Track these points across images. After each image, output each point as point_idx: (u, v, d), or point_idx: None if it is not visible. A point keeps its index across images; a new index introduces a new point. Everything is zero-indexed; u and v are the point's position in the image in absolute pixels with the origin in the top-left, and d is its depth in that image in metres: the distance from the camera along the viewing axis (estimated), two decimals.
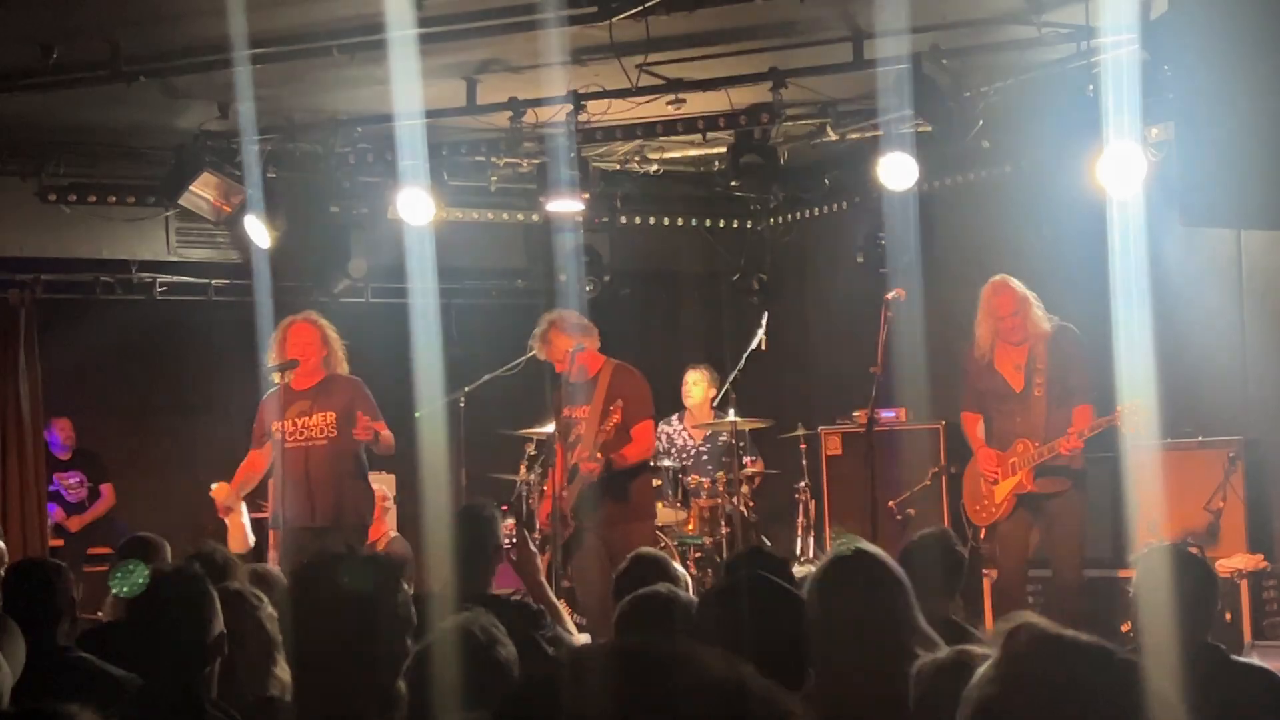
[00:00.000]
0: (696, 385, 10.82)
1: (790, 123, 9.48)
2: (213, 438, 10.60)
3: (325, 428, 8.43)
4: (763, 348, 10.13)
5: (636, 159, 10.90)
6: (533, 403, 9.86)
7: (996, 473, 8.08)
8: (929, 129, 8.71)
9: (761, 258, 12.10)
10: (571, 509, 8.49)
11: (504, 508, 9.31)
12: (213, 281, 11.28)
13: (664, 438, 10.50)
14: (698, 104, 9.40)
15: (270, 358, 8.57)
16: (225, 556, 5.23)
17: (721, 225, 12.25)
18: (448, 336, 9.13)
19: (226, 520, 8.58)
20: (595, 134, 9.70)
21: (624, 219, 11.63)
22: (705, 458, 10.59)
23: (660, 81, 8.91)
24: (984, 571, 8.71)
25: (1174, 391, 8.50)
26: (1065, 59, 8.40)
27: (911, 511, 9.21)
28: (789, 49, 8.68)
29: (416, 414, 9.54)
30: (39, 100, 8.86)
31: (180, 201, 9.99)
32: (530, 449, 9.97)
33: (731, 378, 10.14)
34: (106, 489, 11.16)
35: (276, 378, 8.47)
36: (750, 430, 10.41)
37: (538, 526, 8.93)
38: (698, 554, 9.88)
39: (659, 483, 9.71)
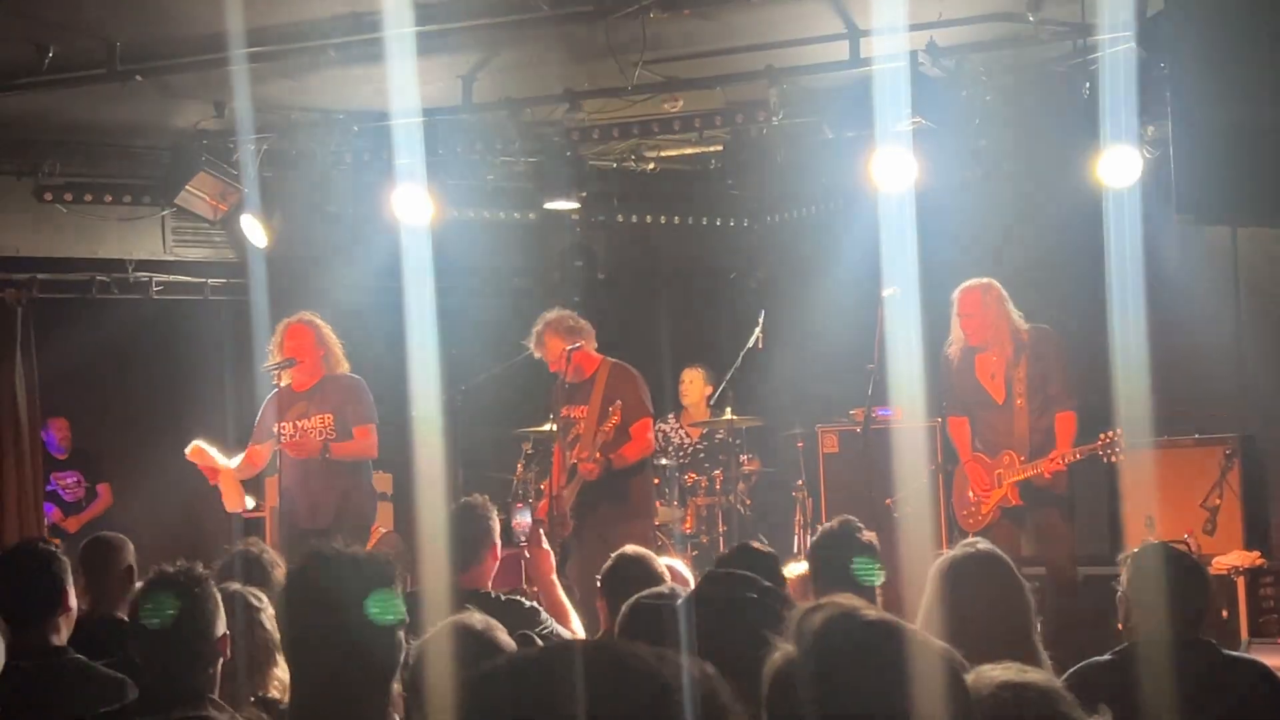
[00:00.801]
0: (693, 384, 10.82)
1: (786, 121, 9.47)
2: (210, 437, 10.56)
3: (323, 429, 8.43)
4: (759, 346, 10.14)
5: (633, 157, 10.89)
6: (530, 402, 9.85)
7: (986, 493, 8.05)
8: (926, 127, 8.70)
9: (758, 256, 12.11)
10: (571, 508, 8.49)
11: (518, 505, 9.31)
12: (209, 281, 11.28)
13: (661, 436, 10.50)
14: (694, 102, 9.40)
15: (270, 358, 8.57)
16: (270, 558, 5.23)
17: (718, 224, 12.24)
18: (444, 335, 9.11)
19: (218, 484, 8.53)
20: (592, 132, 9.70)
21: (620, 217, 11.63)
22: (702, 456, 10.59)
23: (656, 80, 8.91)
24: None
25: (1170, 388, 8.50)
26: (1061, 57, 8.40)
27: (909, 509, 9.19)
28: (785, 47, 8.68)
29: (413, 413, 9.54)
30: (35, 99, 8.86)
31: (176, 201, 9.99)
32: (527, 448, 9.97)
33: (728, 376, 10.15)
34: (104, 489, 11.15)
35: (276, 378, 8.47)
36: (747, 428, 10.41)
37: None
38: (694, 552, 9.89)
39: (656, 481, 9.71)
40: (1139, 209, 7.97)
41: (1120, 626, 4.55)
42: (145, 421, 11.32)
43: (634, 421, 8.55)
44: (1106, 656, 4.28)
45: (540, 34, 8.12)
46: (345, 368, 8.63)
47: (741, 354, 10.17)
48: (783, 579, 4.55)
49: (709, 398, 10.70)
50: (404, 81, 8.26)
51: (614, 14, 7.59)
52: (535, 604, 5.77)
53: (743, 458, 10.31)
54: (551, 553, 6.04)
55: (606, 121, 9.63)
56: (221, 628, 3.77)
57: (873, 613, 2.05)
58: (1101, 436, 7.75)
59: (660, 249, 12.24)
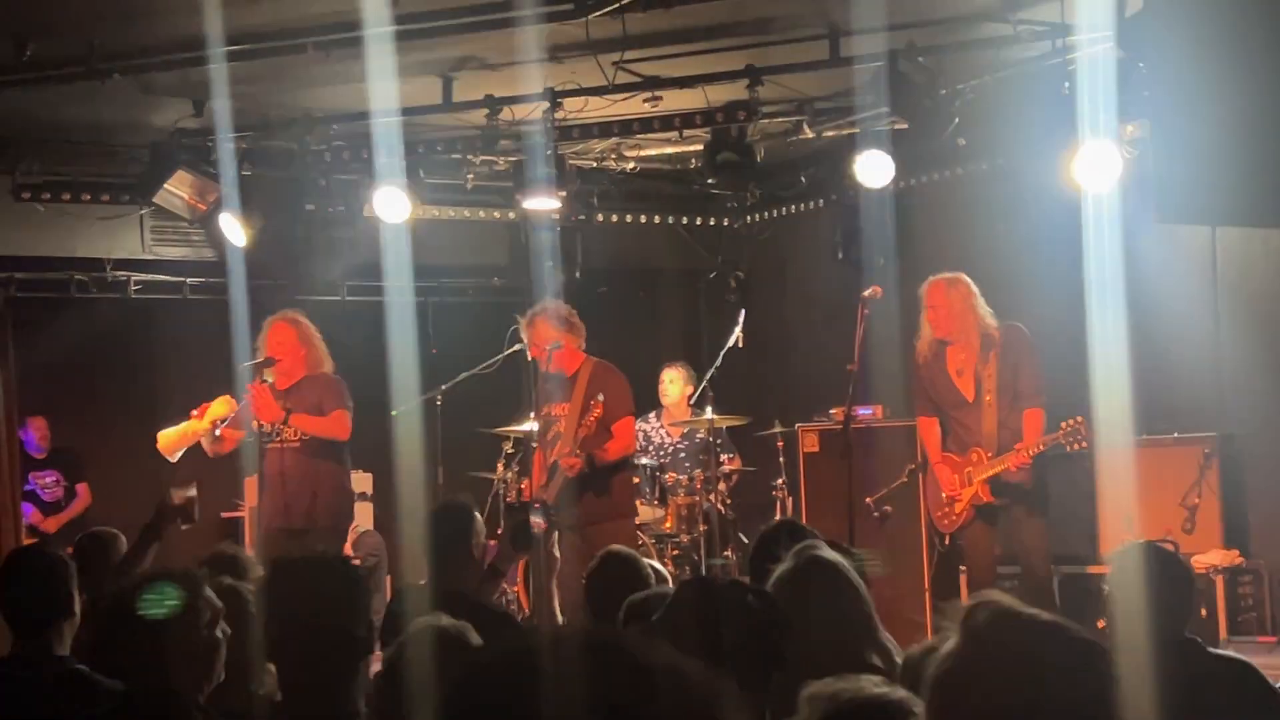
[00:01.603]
0: (674, 383, 10.82)
1: (767, 120, 9.48)
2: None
3: (299, 429, 8.40)
4: (740, 345, 10.14)
5: (613, 156, 10.89)
6: (510, 401, 9.84)
7: (956, 492, 8.06)
8: (905, 126, 8.71)
9: (738, 255, 12.12)
10: (551, 508, 8.48)
11: (537, 504, 9.27)
12: (188, 280, 11.25)
13: (641, 435, 10.49)
14: (674, 101, 9.40)
15: (255, 356, 8.56)
16: (239, 558, 5.21)
17: (698, 223, 12.25)
18: (424, 335, 9.10)
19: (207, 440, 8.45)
20: (572, 131, 9.69)
21: (601, 217, 11.62)
22: (683, 455, 10.59)
23: (637, 79, 8.91)
24: (960, 568, 8.73)
25: (1149, 388, 8.53)
26: (1041, 56, 8.42)
27: (889, 508, 9.21)
28: (766, 46, 8.68)
29: (393, 412, 9.52)
30: (13, 97, 8.81)
31: (155, 200, 9.95)
32: (508, 447, 9.97)
33: (709, 375, 10.14)
34: (83, 488, 11.11)
35: (257, 376, 8.45)
36: (727, 428, 10.41)
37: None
38: (675, 551, 9.89)
39: (637, 480, 9.71)
40: (1118, 209, 7.99)
41: (1100, 624, 4.56)
42: (124, 421, 11.28)
43: (616, 419, 8.55)
44: None
45: (520, 33, 8.10)
46: (328, 367, 8.61)
47: (722, 353, 10.17)
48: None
49: (689, 397, 10.70)
50: (383, 80, 8.25)
51: (594, 12, 7.58)
52: (507, 611, 5.77)
53: (723, 457, 10.31)
54: (559, 559, 6.03)
55: (586, 120, 9.62)
56: (210, 628, 3.76)
57: (1032, 610, 2.06)
58: (1063, 425, 7.75)
59: (640, 248, 12.23)
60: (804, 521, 9.93)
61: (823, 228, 10.80)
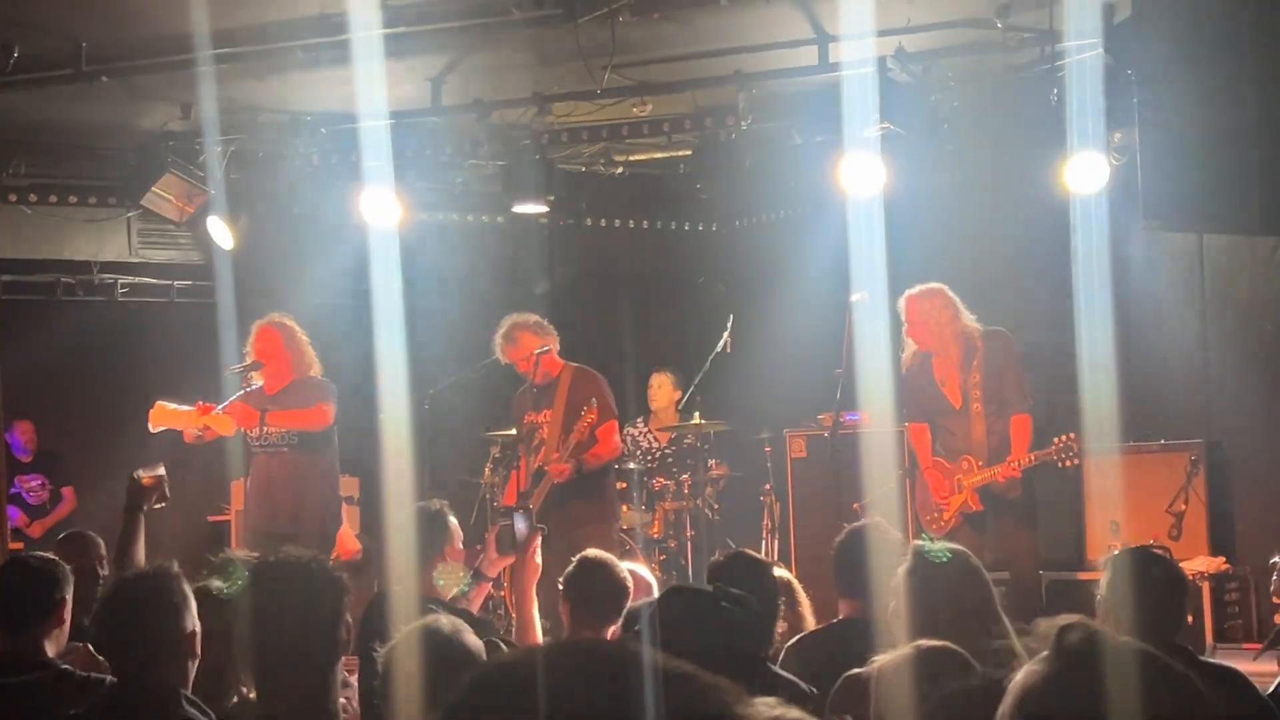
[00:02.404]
0: (661, 388, 10.81)
1: (755, 125, 9.48)
2: (175, 440, 10.52)
3: (286, 433, 8.39)
4: (727, 350, 10.13)
5: (602, 161, 10.90)
6: (497, 405, 9.83)
7: (946, 500, 8.06)
8: (894, 132, 8.72)
9: (726, 260, 12.11)
10: (536, 513, 8.45)
11: (521, 510, 9.23)
12: (175, 283, 11.22)
13: (629, 440, 10.49)
14: (663, 106, 9.40)
15: (245, 359, 8.54)
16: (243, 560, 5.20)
17: (687, 228, 12.25)
18: (412, 338, 9.08)
19: (200, 424, 8.39)
20: (561, 136, 9.69)
21: (589, 221, 11.62)
22: (670, 460, 10.58)
23: (626, 84, 8.91)
24: None
25: (1136, 395, 8.54)
26: (1029, 63, 8.43)
27: (876, 514, 9.21)
28: (754, 52, 8.69)
29: (380, 416, 9.50)
30: (0, 99, 8.79)
31: (142, 202, 9.94)
32: (495, 451, 9.95)
33: (696, 380, 10.14)
34: (68, 492, 11.07)
35: (245, 380, 8.43)
36: (715, 433, 10.40)
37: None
38: (662, 557, 9.88)
39: (624, 485, 9.69)
40: (1106, 215, 8.01)
41: None
42: (110, 424, 11.22)
43: (602, 424, 8.53)
44: None
45: (509, 37, 8.11)
46: (317, 371, 8.58)
47: (710, 358, 10.16)
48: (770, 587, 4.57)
49: (677, 402, 10.69)
50: (372, 83, 8.24)
51: (583, 17, 7.59)
52: (488, 617, 5.76)
53: (711, 462, 10.31)
54: (540, 567, 6.00)
55: (575, 125, 9.62)
56: (192, 624, 3.77)
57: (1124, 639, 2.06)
58: (1056, 441, 7.73)
59: (629, 253, 12.23)
60: (791, 526, 9.98)
61: (811, 233, 10.80)
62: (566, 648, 1.66)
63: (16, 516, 10.77)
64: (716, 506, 10.19)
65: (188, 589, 3.82)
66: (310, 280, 10.43)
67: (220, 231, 9.85)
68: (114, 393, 11.29)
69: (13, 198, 10.30)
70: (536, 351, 8.56)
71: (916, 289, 8.10)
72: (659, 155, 10.72)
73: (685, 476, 10.11)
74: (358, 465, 9.74)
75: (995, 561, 8.35)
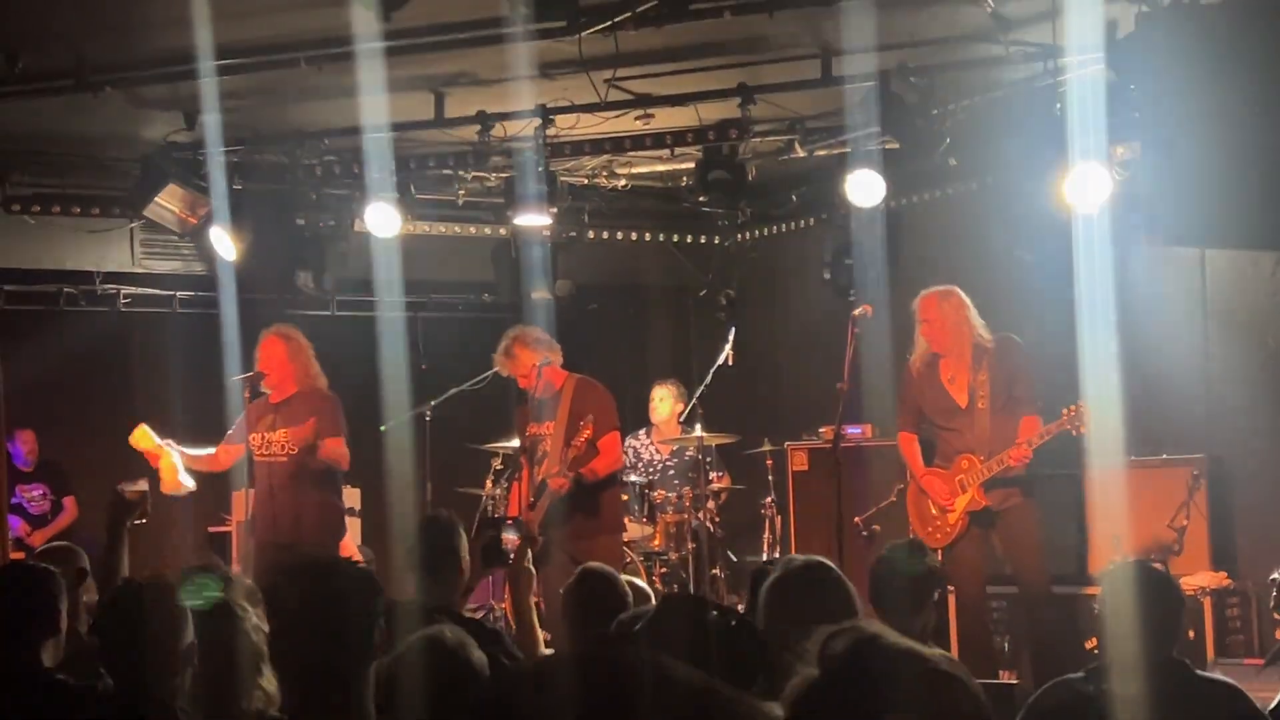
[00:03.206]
0: (663, 400, 10.82)
1: (758, 139, 9.50)
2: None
3: (287, 444, 8.39)
4: (730, 363, 10.15)
5: (604, 174, 10.90)
6: (499, 417, 9.83)
7: (950, 502, 8.06)
8: (896, 146, 8.73)
9: (729, 273, 12.12)
10: (539, 526, 8.45)
11: (509, 520, 9.27)
12: (177, 294, 11.23)
13: (631, 452, 10.49)
14: (666, 119, 9.41)
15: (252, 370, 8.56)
16: (225, 572, 5.18)
17: (689, 241, 12.26)
18: (414, 350, 9.09)
19: (157, 466, 8.44)
20: (563, 148, 9.70)
21: (592, 234, 11.63)
22: (672, 473, 10.58)
23: (629, 96, 8.92)
24: (949, 590, 8.72)
25: (1138, 409, 8.53)
26: (1032, 77, 8.44)
27: (877, 528, 9.20)
28: (758, 65, 8.70)
29: (382, 427, 9.51)
30: (3, 109, 8.79)
31: (145, 213, 9.94)
32: (496, 463, 9.95)
33: (698, 393, 10.15)
34: (69, 502, 11.08)
35: (246, 390, 8.44)
36: (717, 445, 10.41)
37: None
38: (663, 569, 9.88)
39: (626, 497, 9.69)
40: (1108, 230, 8.00)
41: (1089, 643, 4.56)
42: (112, 435, 11.21)
43: (602, 436, 8.53)
44: (1080, 674, 4.29)
45: (513, 49, 8.11)
46: (321, 382, 8.56)
47: (712, 371, 10.17)
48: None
49: (679, 415, 10.69)
50: (375, 95, 8.25)
51: (586, 30, 7.59)
52: (499, 628, 5.75)
53: (712, 475, 10.31)
54: (534, 574, 6.00)
55: (578, 137, 9.63)
56: (189, 636, 3.75)
57: (893, 638, 2.08)
58: (1065, 411, 7.75)
59: (631, 265, 12.24)
60: (793, 540, 9.98)
61: (813, 246, 10.81)
62: (569, 660, 1.66)
63: (18, 526, 10.77)
64: (718, 519, 10.18)
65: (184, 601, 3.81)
66: (312, 291, 10.42)
67: (223, 242, 9.86)
68: (116, 403, 11.29)
69: (15, 208, 10.30)
70: (539, 364, 8.56)
71: (934, 289, 8.13)
72: (662, 168, 10.73)
73: (687, 489, 10.11)
74: (360, 476, 9.73)
75: (998, 576, 8.36)
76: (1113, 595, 4.39)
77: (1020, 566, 8.08)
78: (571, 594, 5.15)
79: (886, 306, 8.68)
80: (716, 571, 10.00)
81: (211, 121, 8.95)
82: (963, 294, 8.10)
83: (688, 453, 10.43)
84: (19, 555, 10.51)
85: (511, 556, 8.53)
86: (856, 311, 8.34)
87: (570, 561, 8.33)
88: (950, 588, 8.60)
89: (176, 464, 8.39)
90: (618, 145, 9.71)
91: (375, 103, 8.39)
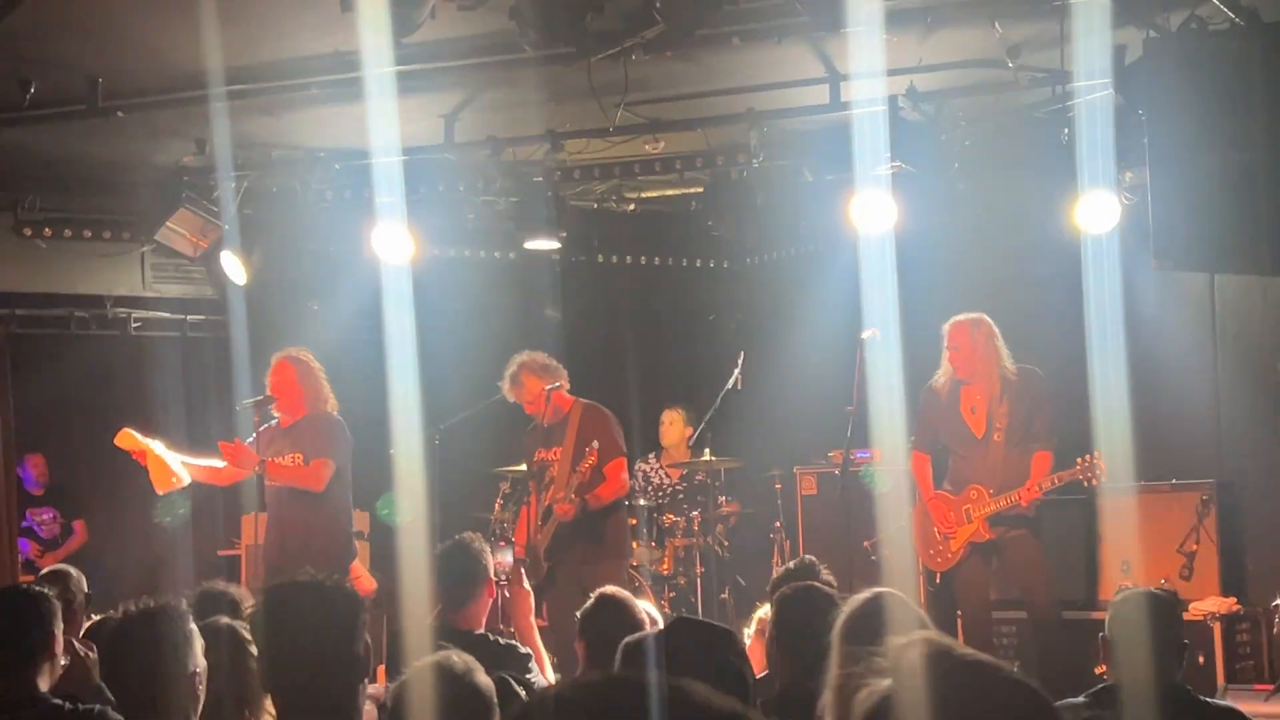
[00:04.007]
0: (673, 424, 10.82)
1: (766, 163, 9.51)
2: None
3: (295, 466, 8.38)
4: (739, 387, 10.13)
5: (614, 198, 10.93)
6: (508, 441, 9.83)
7: (951, 528, 8.04)
8: (905, 171, 8.74)
9: (737, 298, 12.13)
10: (546, 550, 8.44)
11: (501, 543, 9.28)
12: (188, 317, 11.25)
13: (640, 476, 10.49)
14: (675, 144, 9.43)
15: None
16: (232, 596, 5.18)
17: (698, 265, 12.27)
18: (424, 373, 9.08)
19: (146, 465, 8.43)
20: (573, 173, 9.73)
21: (600, 258, 11.64)
22: (681, 497, 10.58)
23: (638, 121, 8.94)
24: (956, 612, 8.70)
25: (1147, 434, 8.52)
26: (1041, 103, 8.46)
27: (886, 552, 9.20)
28: (766, 90, 8.72)
29: (392, 451, 9.50)
30: (16, 134, 8.85)
31: (156, 237, 9.98)
32: (505, 487, 9.95)
33: (707, 417, 10.14)
34: (79, 525, 11.09)
35: (255, 413, 8.44)
36: (726, 469, 10.40)
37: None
38: (672, 593, 9.87)
39: (634, 521, 9.69)
40: (1117, 254, 8.01)
41: (1099, 669, 4.56)
42: (122, 459, 11.22)
43: (608, 461, 8.52)
44: (1081, 698, 4.29)
45: (522, 74, 8.14)
46: (331, 406, 8.53)
47: (721, 395, 10.16)
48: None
49: (688, 439, 10.69)
50: (385, 120, 8.27)
51: (596, 55, 7.62)
52: (528, 650, 5.75)
53: (721, 499, 10.30)
54: (531, 593, 6.01)
55: (587, 162, 9.65)
56: (196, 663, 3.75)
57: (967, 651, 2.07)
58: (1079, 461, 7.73)
59: (640, 289, 12.24)
60: None
61: (822, 271, 10.81)
62: (586, 686, 1.67)
63: (28, 549, 10.79)
64: (726, 543, 10.17)
65: (193, 627, 3.81)
66: (323, 315, 10.45)
67: (234, 266, 9.88)
68: (126, 426, 11.30)
69: (28, 232, 10.35)
70: (546, 389, 8.57)
71: (964, 316, 8.11)
72: (671, 192, 10.75)
73: (695, 513, 10.10)
74: (368, 500, 9.74)
75: (1004, 601, 8.35)
76: (1118, 620, 4.39)
77: (1028, 591, 8.06)
78: (589, 618, 5.14)
79: (895, 331, 8.68)
80: (725, 595, 9.99)
81: (222, 146, 8.98)
82: (992, 323, 8.08)
83: (697, 477, 10.44)
84: (28, 578, 10.54)
85: (504, 579, 8.55)
86: (864, 335, 8.34)
87: (578, 586, 8.33)
88: (958, 611, 8.60)
89: (164, 458, 8.36)
90: (627, 170, 9.74)
91: (385, 127, 8.41)
